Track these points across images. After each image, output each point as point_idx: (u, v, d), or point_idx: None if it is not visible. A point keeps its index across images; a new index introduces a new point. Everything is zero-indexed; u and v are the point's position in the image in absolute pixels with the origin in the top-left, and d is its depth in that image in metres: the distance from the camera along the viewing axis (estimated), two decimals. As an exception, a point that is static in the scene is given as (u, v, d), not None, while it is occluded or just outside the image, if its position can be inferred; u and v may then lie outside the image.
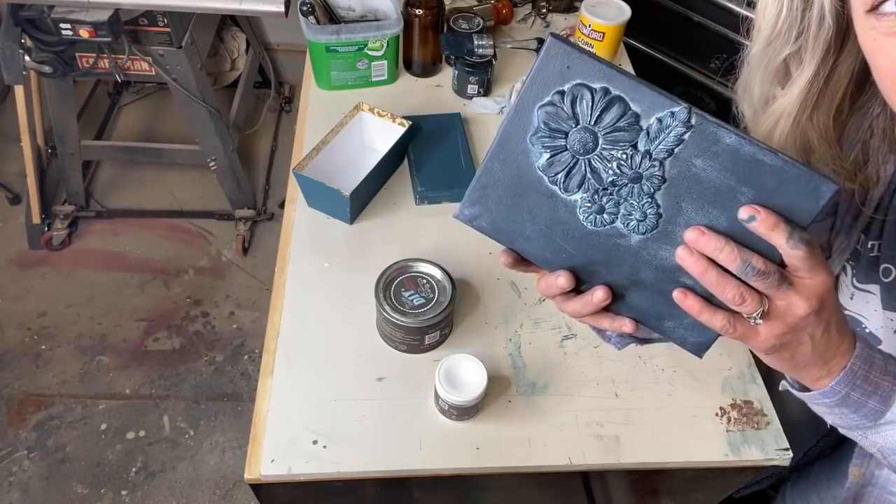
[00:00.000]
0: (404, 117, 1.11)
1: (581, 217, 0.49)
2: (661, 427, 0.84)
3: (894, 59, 0.43)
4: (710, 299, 0.48)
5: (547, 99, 0.46)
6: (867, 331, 0.67)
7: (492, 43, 1.24)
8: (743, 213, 0.44)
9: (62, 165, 2.04)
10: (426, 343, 0.88)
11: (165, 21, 1.66)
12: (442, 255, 0.93)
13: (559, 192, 0.49)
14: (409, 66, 1.33)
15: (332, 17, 1.29)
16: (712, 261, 0.45)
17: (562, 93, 0.45)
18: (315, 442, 0.81)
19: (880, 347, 0.60)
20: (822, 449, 0.91)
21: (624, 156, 0.46)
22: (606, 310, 0.53)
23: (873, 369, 0.51)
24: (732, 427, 0.84)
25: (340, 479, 0.80)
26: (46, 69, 1.68)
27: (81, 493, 1.65)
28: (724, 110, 0.58)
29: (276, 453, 0.80)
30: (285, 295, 0.95)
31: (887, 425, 0.52)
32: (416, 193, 1.09)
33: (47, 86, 1.84)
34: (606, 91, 0.44)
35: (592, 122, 0.45)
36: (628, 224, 0.48)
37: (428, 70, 1.32)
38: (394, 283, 0.88)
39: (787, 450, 0.83)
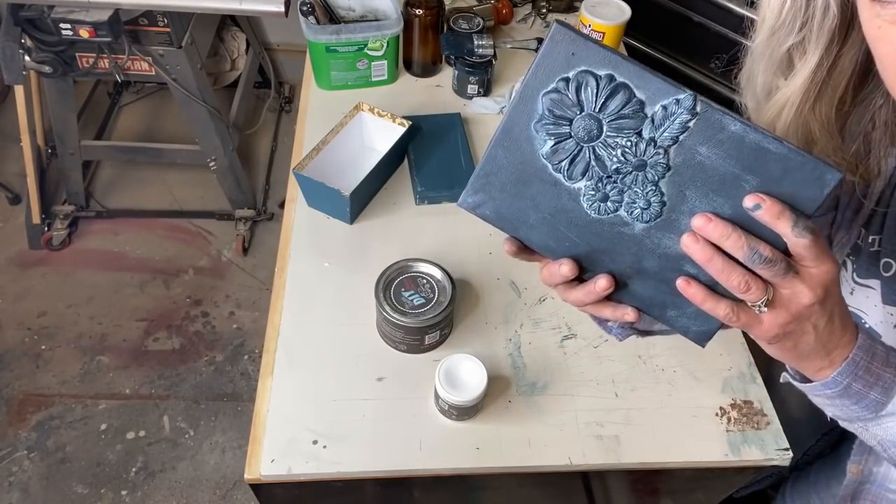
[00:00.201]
0: (404, 117, 1.11)
1: (585, 205, 0.49)
2: (661, 427, 0.84)
3: None
4: (714, 288, 0.48)
5: (552, 86, 0.45)
6: (867, 326, 0.67)
7: (492, 43, 1.24)
8: (748, 201, 0.44)
9: (62, 165, 2.04)
10: (426, 343, 0.88)
11: (165, 21, 1.66)
12: (442, 255, 0.93)
13: (563, 180, 0.49)
14: (409, 66, 1.33)
15: (332, 17, 1.29)
16: (717, 248, 0.45)
17: (566, 80, 0.45)
18: (315, 442, 0.81)
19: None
20: (821, 448, 0.91)
21: (628, 143, 0.46)
22: (609, 299, 0.53)
23: (875, 360, 0.51)
24: (732, 427, 0.84)
25: (340, 479, 0.80)
26: (46, 69, 1.68)
27: (81, 493, 1.65)
28: (725, 110, 0.58)
29: (276, 453, 0.80)
30: (285, 295, 0.95)
31: (888, 417, 0.52)
32: (416, 193, 1.09)
33: (47, 86, 1.84)
34: (611, 78, 0.44)
35: (597, 109, 0.45)
36: (632, 212, 0.48)
37: (428, 70, 1.32)
38: (394, 283, 0.88)
39: (787, 450, 0.83)
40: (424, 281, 0.89)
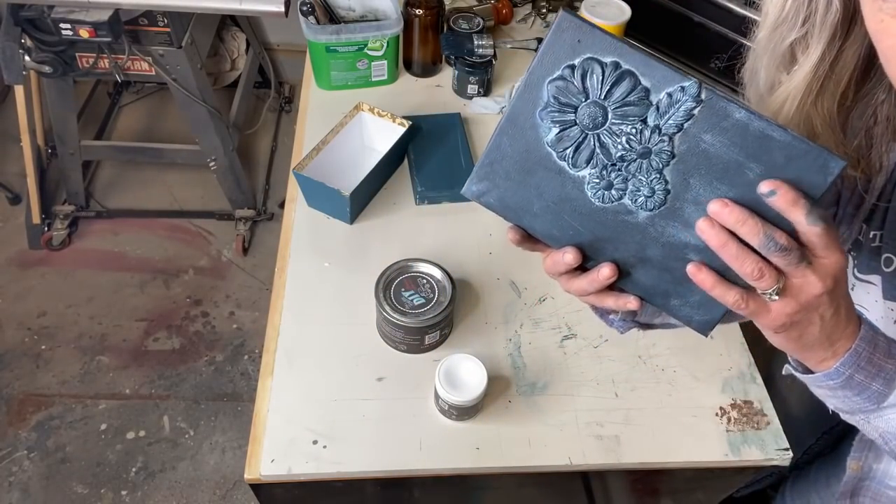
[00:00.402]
0: (404, 117, 1.11)
1: (589, 193, 0.49)
2: (661, 427, 0.84)
3: None
4: (724, 274, 0.47)
5: (557, 73, 0.45)
6: None
7: (492, 43, 1.24)
8: (763, 186, 0.43)
9: (62, 165, 2.04)
10: (426, 343, 0.88)
11: (165, 21, 1.66)
12: (442, 255, 0.93)
13: (567, 168, 0.49)
14: (409, 66, 1.33)
15: (332, 17, 1.29)
16: (732, 234, 0.45)
17: (572, 67, 0.45)
18: (315, 442, 0.81)
19: None
20: (821, 447, 0.91)
21: (633, 130, 0.46)
22: (612, 288, 0.53)
23: (877, 352, 0.51)
24: (732, 427, 0.84)
25: (340, 479, 0.80)
26: (46, 69, 1.68)
27: (81, 493, 1.65)
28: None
29: (276, 453, 0.80)
30: (285, 295, 0.95)
31: (890, 408, 0.52)
32: (416, 193, 1.09)
33: (47, 86, 1.84)
34: (617, 65, 0.44)
35: (602, 97, 0.45)
36: (636, 200, 0.48)
37: (428, 70, 1.32)
38: (394, 283, 0.88)
39: (787, 450, 0.83)
40: (424, 281, 0.89)
